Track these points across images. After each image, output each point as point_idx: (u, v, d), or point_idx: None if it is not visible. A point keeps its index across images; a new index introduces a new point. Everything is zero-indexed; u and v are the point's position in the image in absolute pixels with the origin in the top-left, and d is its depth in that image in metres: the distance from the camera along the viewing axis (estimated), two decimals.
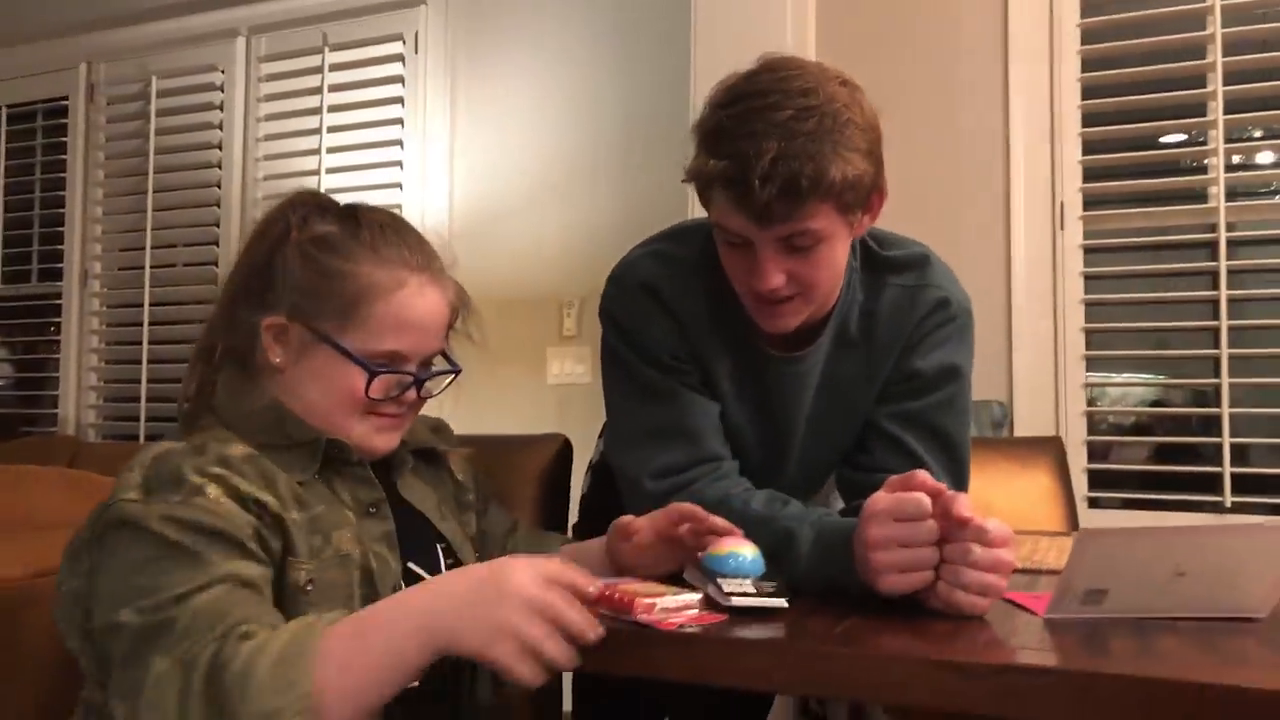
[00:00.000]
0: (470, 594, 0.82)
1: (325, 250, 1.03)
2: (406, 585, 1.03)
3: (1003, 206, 2.58)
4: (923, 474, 0.98)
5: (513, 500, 1.54)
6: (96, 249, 3.92)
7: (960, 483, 1.23)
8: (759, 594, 0.95)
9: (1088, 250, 2.56)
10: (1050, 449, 2.28)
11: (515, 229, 3.30)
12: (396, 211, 1.14)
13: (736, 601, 0.94)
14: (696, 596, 0.94)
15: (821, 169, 1.06)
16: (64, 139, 3.98)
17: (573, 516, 1.60)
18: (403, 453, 1.13)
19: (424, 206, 3.37)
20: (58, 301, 3.96)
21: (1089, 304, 2.55)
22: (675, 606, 0.91)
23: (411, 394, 1.06)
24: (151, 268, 3.78)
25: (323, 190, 3.38)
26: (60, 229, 3.97)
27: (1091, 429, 2.55)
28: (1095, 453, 2.56)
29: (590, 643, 0.82)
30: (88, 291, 3.92)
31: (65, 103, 3.99)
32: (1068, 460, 2.26)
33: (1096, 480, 2.53)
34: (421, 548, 1.09)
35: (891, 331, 1.27)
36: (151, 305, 3.78)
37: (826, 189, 1.08)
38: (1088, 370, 2.55)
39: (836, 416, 1.30)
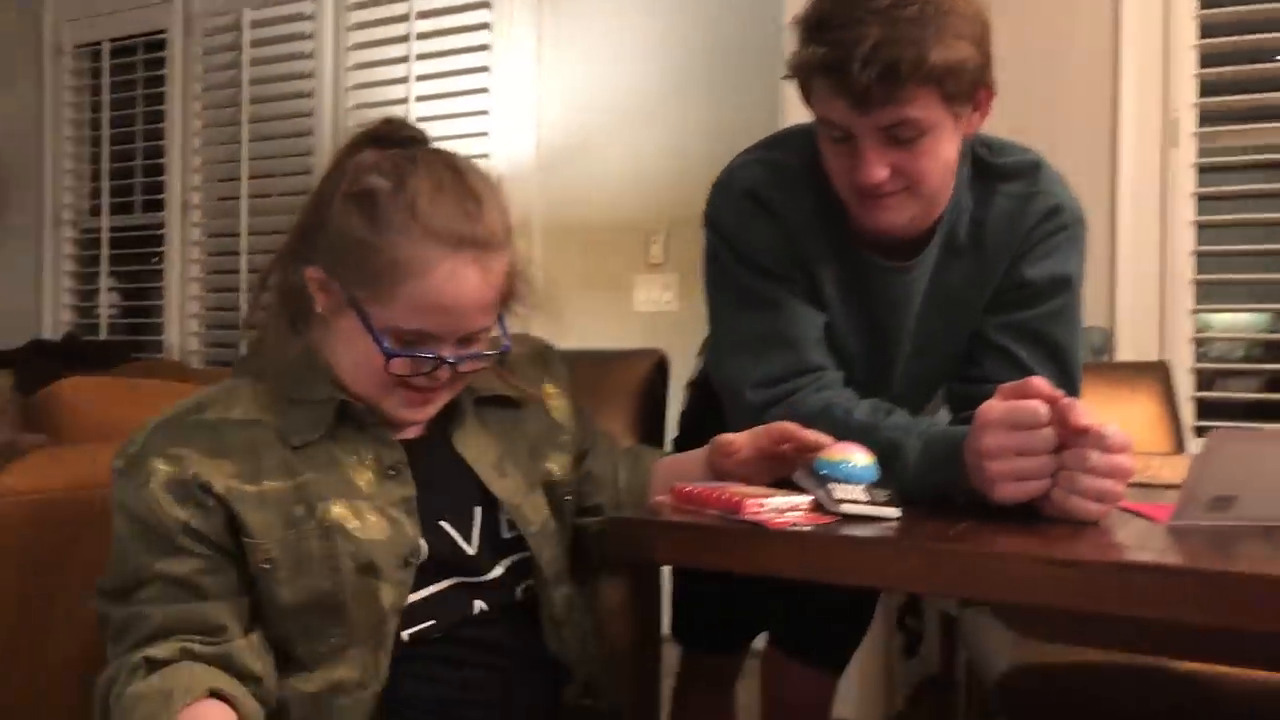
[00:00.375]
0: None
1: (363, 212, 0.97)
2: (431, 547, 1.00)
3: (1109, 122, 2.47)
4: (1038, 380, 0.95)
5: (608, 416, 1.55)
6: (196, 180, 4.02)
7: (1072, 394, 1.19)
8: (871, 501, 0.94)
9: (1201, 169, 2.45)
10: (1156, 374, 2.21)
11: (601, 157, 3.28)
12: (477, 159, 1.06)
13: (846, 509, 0.93)
14: (806, 499, 0.94)
15: (922, 53, 1.05)
16: (163, 72, 4.06)
17: (671, 432, 1.61)
18: (463, 403, 1.08)
19: (510, 135, 3.37)
20: (160, 232, 4.08)
21: (1200, 226, 2.45)
22: (784, 507, 0.91)
23: (444, 372, 0.99)
24: (248, 197, 3.87)
25: (412, 116, 3.40)
26: (161, 161, 4.07)
27: (1199, 357, 2.46)
28: (1203, 382, 2.47)
29: None
30: (188, 221, 4.03)
31: (164, 36, 4.06)
32: (1174, 387, 2.19)
33: (1204, 410, 2.45)
34: (459, 508, 1.05)
35: (1002, 240, 1.23)
36: (249, 234, 3.87)
37: (927, 73, 1.06)
38: (1196, 296, 2.46)
39: (944, 327, 1.28)
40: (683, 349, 1.65)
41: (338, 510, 0.96)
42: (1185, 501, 0.89)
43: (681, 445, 1.60)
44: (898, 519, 0.93)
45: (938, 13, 1.07)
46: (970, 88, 1.12)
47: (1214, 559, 0.77)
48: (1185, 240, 2.44)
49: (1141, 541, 0.85)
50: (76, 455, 1.38)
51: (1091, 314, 2.49)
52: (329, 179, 1.02)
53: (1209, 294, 2.47)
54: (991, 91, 1.15)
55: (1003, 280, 1.24)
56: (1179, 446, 2.07)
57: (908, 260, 1.23)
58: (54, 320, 4.34)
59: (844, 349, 1.26)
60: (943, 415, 1.36)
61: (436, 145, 1.05)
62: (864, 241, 1.23)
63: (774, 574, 0.84)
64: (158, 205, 4.09)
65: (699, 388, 1.54)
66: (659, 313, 3.22)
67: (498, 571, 1.05)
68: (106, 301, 4.28)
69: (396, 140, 1.03)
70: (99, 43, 4.23)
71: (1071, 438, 0.92)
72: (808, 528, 0.87)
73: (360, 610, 0.95)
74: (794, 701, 1.60)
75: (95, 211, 4.29)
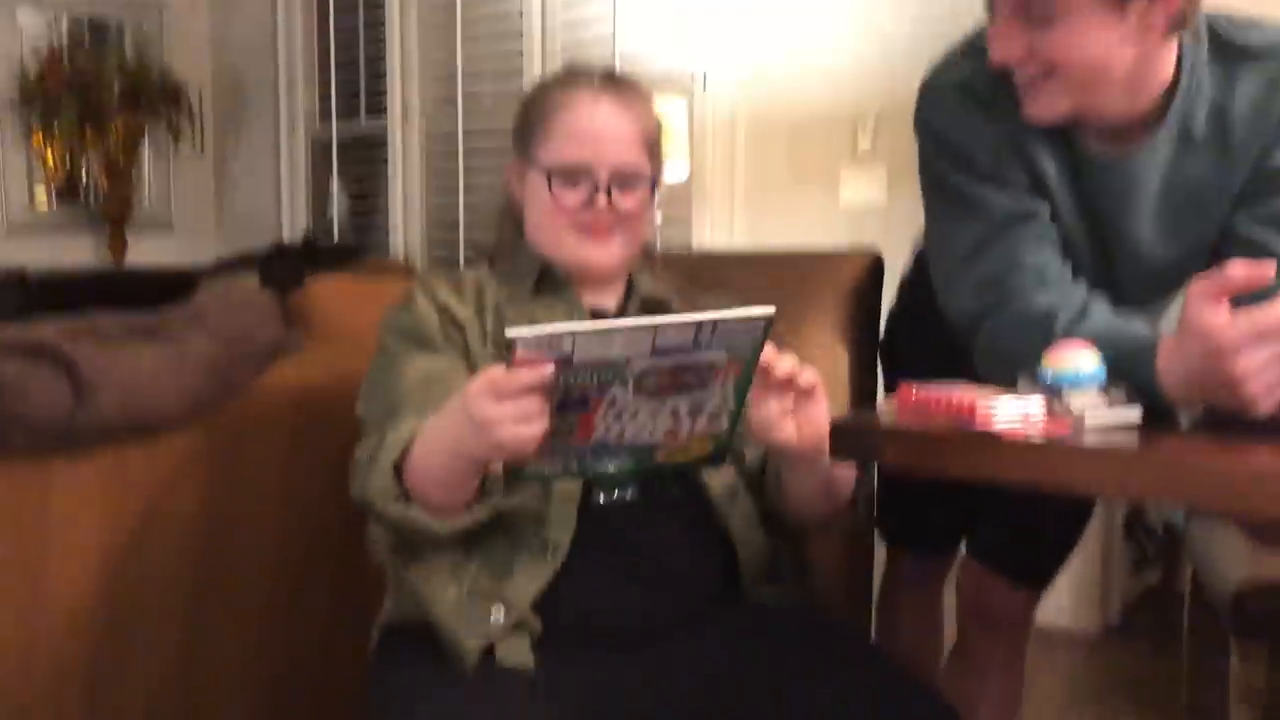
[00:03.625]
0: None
1: (532, 90, 1.23)
2: None
3: None
4: (1240, 264, 0.88)
5: (818, 319, 1.54)
6: (414, 85, 4.18)
7: None
8: (1111, 403, 0.91)
9: None
10: None
11: (804, 43, 3.19)
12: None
13: (1090, 420, 0.90)
14: (1039, 404, 0.92)
15: None
16: None
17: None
18: (631, 305, 1.21)
19: (714, 33, 3.30)
20: (384, 135, 4.28)
21: None
22: (1018, 414, 0.89)
23: (601, 200, 1.14)
24: (463, 101, 4.00)
25: (617, 13, 3.42)
26: (382, 68, 4.24)
27: None
28: None
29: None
30: (408, 125, 4.21)
31: None
32: None
33: None
34: None
35: (1249, 129, 1.13)
36: (464, 135, 4.01)
37: None
38: None
39: (1182, 227, 1.19)
40: (891, 246, 1.61)
41: None
42: None
43: (888, 349, 1.58)
44: (1138, 421, 0.90)
45: None
46: None
47: None
48: None
49: None
50: (330, 350, 1.51)
51: None
52: None
53: None
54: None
55: (1252, 173, 1.14)
56: None
57: (1124, 149, 1.15)
58: (292, 222, 4.66)
59: (1069, 245, 1.20)
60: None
61: None
62: (1078, 131, 1.16)
63: (1007, 484, 0.83)
64: (380, 110, 4.29)
65: (911, 287, 1.51)
66: (867, 208, 3.14)
67: None
68: (338, 204, 4.56)
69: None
70: None
71: None
72: (1040, 439, 0.86)
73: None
74: (992, 612, 1.56)
75: (325, 117, 4.54)
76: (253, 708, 1.39)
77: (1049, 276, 1.15)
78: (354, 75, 4.39)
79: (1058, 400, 0.93)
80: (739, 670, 1.07)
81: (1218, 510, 0.85)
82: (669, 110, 3.06)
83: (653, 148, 1.20)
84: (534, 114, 1.19)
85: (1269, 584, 1.74)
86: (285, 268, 4.17)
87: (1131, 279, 1.25)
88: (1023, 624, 1.58)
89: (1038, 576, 1.54)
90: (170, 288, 4.40)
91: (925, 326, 1.41)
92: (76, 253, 4.52)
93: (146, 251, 4.60)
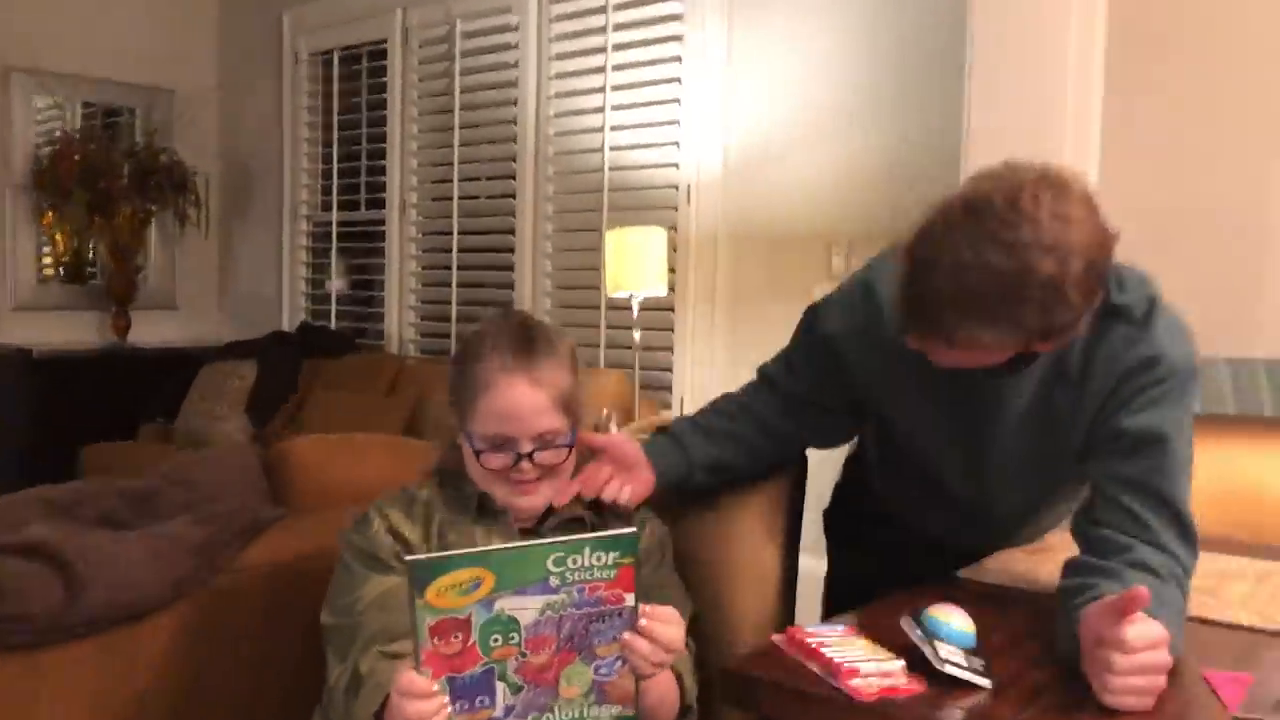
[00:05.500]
0: None
1: (460, 361, 1.35)
2: None
3: None
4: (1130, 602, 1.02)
5: (750, 508, 1.62)
6: (413, 181, 4.36)
7: (1183, 531, 1.23)
8: (970, 669, 1.05)
9: None
10: None
11: (786, 170, 3.36)
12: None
13: (950, 670, 1.04)
14: (899, 664, 1.06)
15: (955, 329, 1.14)
16: (384, 79, 4.40)
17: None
18: (551, 521, 1.36)
19: (699, 146, 3.49)
20: (381, 228, 4.46)
21: None
22: (878, 674, 1.04)
23: (525, 465, 1.29)
24: (459, 199, 4.18)
25: (608, 126, 3.57)
26: (382, 162, 4.43)
27: None
28: None
29: None
30: (405, 219, 4.39)
31: (384, 45, 4.40)
32: None
33: None
34: None
35: (1102, 378, 1.28)
36: (459, 233, 4.18)
37: (958, 341, 1.15)
38: None
39: (1039, 447, 1.35)
40: None
41: None
42: (1254, 698, 0.95)
43: (830, 519, 1.75)
44: (988, 688, 1.04)
45: (1005, 294, 1.11)
46: (1023, 345, 1.17)
47: None
48: None
49: None
50: (305, 526, 1.64)
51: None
52: None
53: None
54: (1064, 339, 1.19)
55: (1101, 425, 1.28)
56: None
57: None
58: (291, 304, 4.84)
59: (942, 460, 1.36)
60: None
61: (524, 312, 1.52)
62: None
63: None
64: (379, 203, 4.47)
65: (854, 462, 1.76)
66: None
67: None
68: (336, 287, 4.74)
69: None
70: (330, 51, 4.63)
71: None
72: (896, 700, 1.00)
73: None
74: None
75: (326, 207, 4.73)
76: None
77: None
78: (356, 168, 4.58)
79: (933, 649, 1.07)
80: None
81: None
82: (650, 239, 3.24)
83: (569, 405, 1.33)
84: (462, 388, 1.33)
85: None
86: (282, 355, 4.35)
87: (999, 491, 1.42)
88: None
89: None
90: (171, 366, 4.57)
91: (864, 499, 1.66)
92: (82, 330, 4.69)
93: (150, 330, 4.77)
